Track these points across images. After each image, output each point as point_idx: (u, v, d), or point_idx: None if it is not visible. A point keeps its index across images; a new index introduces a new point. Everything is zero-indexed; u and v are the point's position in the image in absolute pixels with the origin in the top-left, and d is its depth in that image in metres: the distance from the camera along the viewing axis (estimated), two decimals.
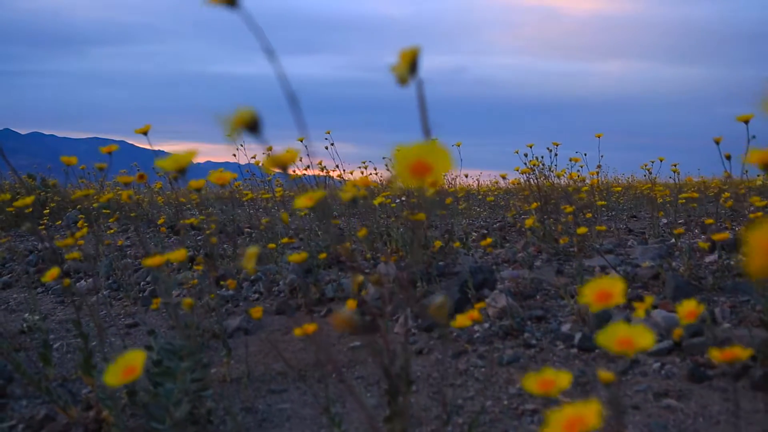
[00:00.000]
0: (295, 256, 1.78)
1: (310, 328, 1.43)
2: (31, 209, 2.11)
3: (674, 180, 5.52)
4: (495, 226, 7.53)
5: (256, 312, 1.84)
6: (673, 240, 3.95)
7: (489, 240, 2.60)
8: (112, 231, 4.42)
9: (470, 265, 3.80)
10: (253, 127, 0.66)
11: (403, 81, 0.63)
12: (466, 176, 9.96)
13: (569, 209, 2.85)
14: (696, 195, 3.42)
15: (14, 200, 7.68)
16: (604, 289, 0.86)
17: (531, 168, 3.74)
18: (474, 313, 1.69)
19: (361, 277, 1.52)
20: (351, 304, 1.62)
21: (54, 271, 1.65)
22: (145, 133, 1.98)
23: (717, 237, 2.27)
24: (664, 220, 7.98)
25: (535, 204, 3.94)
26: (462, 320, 1.80)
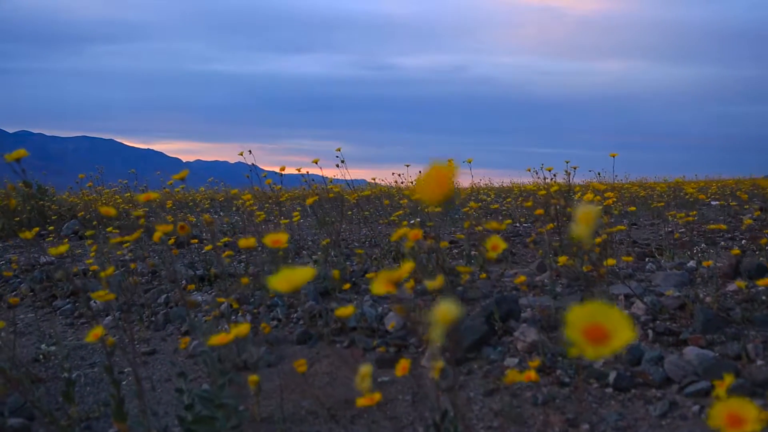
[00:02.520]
0: (342, 310, 1.73)
1: (377, 397, 1.36)
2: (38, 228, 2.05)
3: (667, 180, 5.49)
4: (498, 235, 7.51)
5: (301, 366, 1.79)
6: (691, 262, 3.95)
7: (523, 278, 2.57)
8: (120, 253, 4.36)
9: (488, 289, 3.78)
10: (451, 324, 0.63)
11: (582, 239, 0.59)
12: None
13: (598, 240, 2.83)
14: (720, 227, 3.39)
15: (14, 208, 7.50)
16: (736, 413, 0.83)
17: (552, 195, 3.71)
18: (531, 374, 1.66)
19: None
20: (436, 358, 1.54)
21: (98, 330, 1.60)
22: (182, 179, 1.94)
23: (762, 283, 2.25)
24: (667, 229, 8.01)
25: (550, 225, 3.92)
26: (513, 375, 1.77)
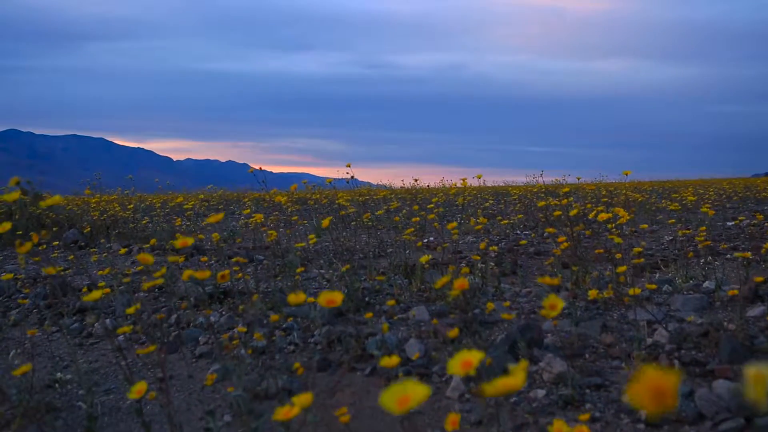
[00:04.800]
0: (387, 361, 1.70)
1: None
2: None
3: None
4: (501, 244, 7.50)
5: (343, 416, 1.76)
6: (707, 282, 3.94)
7: (554, 313, 2.53)
8: (129, 271, 4.31)
9: (514, 317, 3.76)
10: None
11: (757, 402, 0.57)
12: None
13: (622, 269, 2.81)
14: (746, 255, 3.38)
15: (10, 216, 7.41)
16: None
17: (569, 219, 3.69)
18: (583, 429, 1.64)
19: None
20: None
21: (141, 387, 1.56)
22: (217, 221, 1.90)
23: None
24: (668, 237, 8.03)
25: (565, 244, 3.90)
26: (561, 427, 1.74)
